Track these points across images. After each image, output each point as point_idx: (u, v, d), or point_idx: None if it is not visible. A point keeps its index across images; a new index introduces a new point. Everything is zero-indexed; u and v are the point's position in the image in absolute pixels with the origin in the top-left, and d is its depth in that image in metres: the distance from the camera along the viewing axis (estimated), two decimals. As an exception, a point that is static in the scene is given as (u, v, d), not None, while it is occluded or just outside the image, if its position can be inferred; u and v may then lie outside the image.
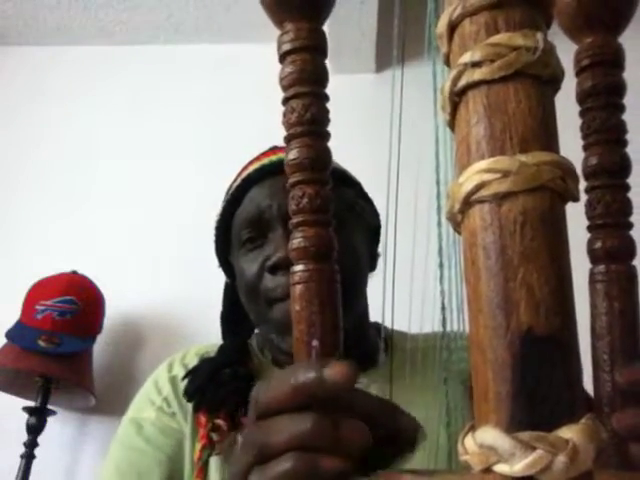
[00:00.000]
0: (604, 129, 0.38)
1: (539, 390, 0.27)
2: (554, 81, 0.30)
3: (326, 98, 0.36)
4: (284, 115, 0.35)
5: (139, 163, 1.81)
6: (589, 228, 0.40)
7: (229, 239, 0.75)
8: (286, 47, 0.35)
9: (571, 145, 0.37)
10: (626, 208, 0.39)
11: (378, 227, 0.78)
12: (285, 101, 0.36)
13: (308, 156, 0.35)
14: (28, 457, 1.37)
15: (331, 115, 0.36)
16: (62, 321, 1.40)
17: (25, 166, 1.85)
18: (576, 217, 0.36)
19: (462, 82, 0.30)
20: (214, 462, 0.67)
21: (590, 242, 0.39)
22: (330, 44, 0.37)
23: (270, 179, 0.70)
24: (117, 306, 1.58)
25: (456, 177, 0.31)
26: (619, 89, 0.39)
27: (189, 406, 0.70)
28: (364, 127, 1.63)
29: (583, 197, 0.39)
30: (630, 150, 0.39)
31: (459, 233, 0.32)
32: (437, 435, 0.64)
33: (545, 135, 0.29)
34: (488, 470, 0.27)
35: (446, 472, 0.32)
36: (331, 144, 0.37)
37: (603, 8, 0.39)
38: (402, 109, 0.49)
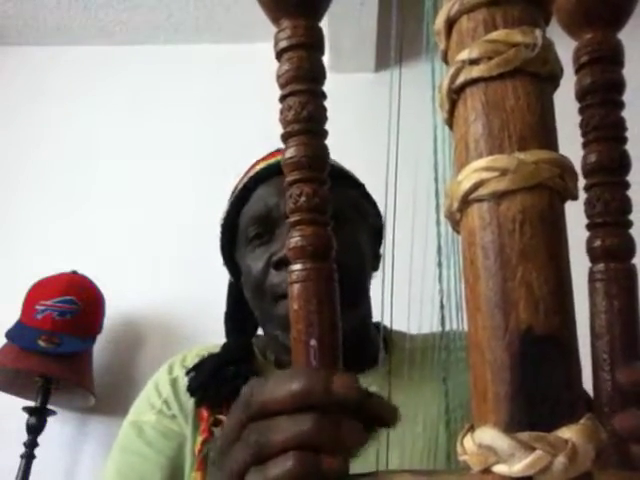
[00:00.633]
0: (603, 126, 0.38)
1: (538, 390, 0.27)
2: (553, 78, 0.30)
3: (323, 96, 0.36)
4: (281, 113, 0.35)
5: (139, 163, 1.81)
6: (588, 226, 0.39)
7: (235, 237, 0.75)
8: (283, 44, 0.35)
9: (570, 142, 0.37)
10: (625, 206, 0.38)
11: (381, 228, 0.78)
12: (282, 99, 0.35)
13: (305, 154, 0.34)
14: (28, 457, 1.37)
15: (330, 114, 0.36)
16: (62, 321, 1.40)
17: (25, 166, 1.85)
18: (575, 215, 0.36)
19: (460, 79, 0.29)
20: None
21: (589, 240, 0.39)
22: (329, 43, 0.37)
23: (277, 178, 0.70)
24: (117, 306, 1.58)
25: (454, 175, 0.30)
26: (618, 86, 0.39)
27: (189, 407, 0.70)
28: (363, 126, 1.63)
29: (582, 195, 0.39)
30: (630, 147, 0.39)
31: (458, 232, 0.31)
32: (436, 435, 0.64)
33: (544, 133, 0.29)
34: (487, 470, 0.27)
35: (445, 472, 0.32)
36: (330, 143, 0.37)
37: (602, 5, 0.39)
38: (400, 108, 0.49)
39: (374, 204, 0.78)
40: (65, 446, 1.54)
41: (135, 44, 1.96)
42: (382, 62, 1.80)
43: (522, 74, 0.29)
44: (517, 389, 0.27)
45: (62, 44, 1.97)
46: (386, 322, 0.61)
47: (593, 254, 0.38)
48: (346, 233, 0.68)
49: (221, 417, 0.67)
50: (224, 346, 0.75)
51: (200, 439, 0.67)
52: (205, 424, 0.67)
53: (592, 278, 0.38)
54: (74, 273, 1.50)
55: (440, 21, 0.31)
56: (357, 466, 0.34)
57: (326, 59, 0.37)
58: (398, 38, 0.50)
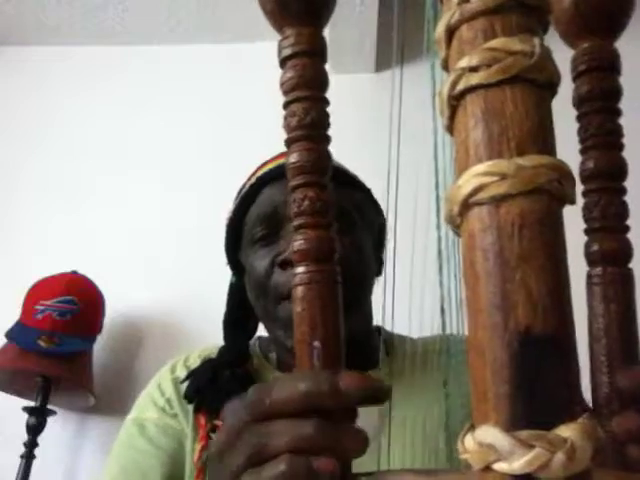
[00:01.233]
0: (600, 133, 0.39)
1: (537, 389, 0.27)
2: (551, 85, 0.30)
3: (326, 102, 0.36)
4: (285, 119, 0.36)
5: (139, 163, 1.81)
6: (586, 231, 0.40)
7: (240, 236, 0.75)
8: (286, 52, 0.35)
9: (568, 149, 0.37)
10: (623, 211, 0.39)
11: (384, 232, 0.78)
12: (286, 105, 0.36)
13: (309, 159, 0.35)
14: (28, 457, 1.37)
15: (330, 115, 0.37)
16: (62, 321, 1.40)
17: (25, 166, 1.85)
18: (574, 220, 0.37)
19: (460, 86, 0.30)
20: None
21: (587, 245, 0.39)
22: (330, 44, 0.37)
23: (285, 179, 0.70)
24: (117, 306, 1.58)
25: (455, 180, 0.31)
26: (616, 94, 0.39)
27: (191, 407, 0.71)
28: (363, 127, 1.63)
29: (580, 200, 0.39)
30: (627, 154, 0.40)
31: (458, 236, 0.32)
32: (437, 436, 0.64)
33: (542, 138, 0.29)
34: (487, 468, 0.28)
35: (446, 471, 0.32)
36: (330, 144, 0.37)
37: (599, 13, 0.39)
38: (402, 110, 0.49)
39: (380, 209, 0.79)
40: (65, 446, 1.54)
41: (135, 44, 1.96)
42: (382, 62, 1.80)
43: (521, 81, 0.29)
44: (516, 388, 0.27)
45: (62, 44, 1.97)
46: (387, 326, 0.62)
47: (591, 258, 0.39)
48: (352, 236, 0.68)
49: (218, 423, 0.67)
50: (220, 350, 0.76)
51: (198, 447, 0.67)
52: (203, 431, 0.68)
53: (590, 282, 0.39)
54: (74, 273, 1.50)
55: (440, 30, 0.31)
56: (358, 467, 0.34)
57: (326, 63, 0.37)
58: (399, 39, 0.50)
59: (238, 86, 1.85)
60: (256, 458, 0.33)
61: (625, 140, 0.39)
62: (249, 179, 0.77)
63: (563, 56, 0.37)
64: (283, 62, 0.36)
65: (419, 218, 0.45)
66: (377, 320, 0.77)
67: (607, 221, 0.39)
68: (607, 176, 0.39)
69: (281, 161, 0.73)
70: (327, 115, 0.36)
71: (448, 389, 0.49)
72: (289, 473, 0.32)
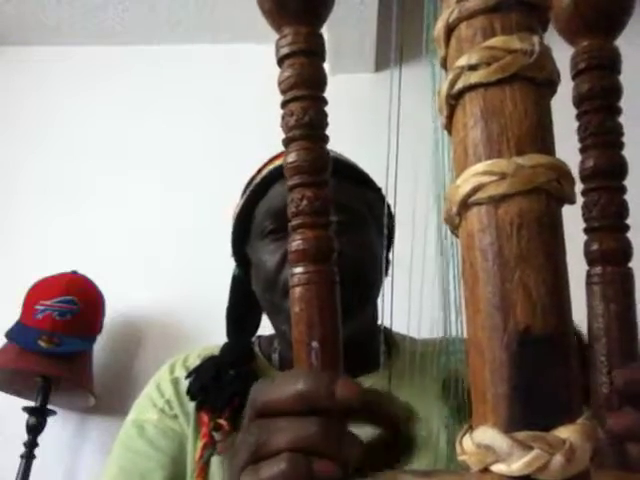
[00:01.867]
0: (600, 132, 0.39)
1: (536, 390, 0.27)
2: (550, 84, 0.30)
3: (324, 101, 0.36)
4: (283, 118, 0.36)
5: (139, 163, 1.81)
6: (586, 230, 0.40)
7: (249, 229, 0.75)
8: (284, 51, 0.35)
9: (568, 148, 0.37)
10: (622, 210, 0.39)
11: (393, 231, 0.78)
12: (284, 104, 0.36)
13: (307, 159, 0.35)
14: (28, 457, 1.37)
15: (330, 114, 0.37)
16: (62, 321, 1.40)
17: (25, 166, 1.85)
18: (573, 219, 0.37)
19: (459, 85, 0.30)
20: (215, 462, 0.67)
21: (587, 244, 0.39)
22: (329, 44, 0.37)
23: None
24: (117, 306, 1.58)
25: (453, 179, 0.31)
26: (615, 92, 0.39)
27: (191, 408, 0.70)
28: (363, 127, 1.63)
29: (580, 199, 0.39)
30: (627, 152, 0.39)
31: (457, 235, 0.32)
32: (437, 437, 0.64)
33: (541, 138, 0.29)
34: (486, 470, 0.28)
35: (444, 472, 0.32)
36: (329, 144, 0.37)
37: (599, 11, 0.39)
38: (401, 110, 0.49)
39: (389, 208, 0.78)
40: (65, 446, 1.54)
41: (135, 44, 1.95)
42: (382, 62, 1.80)
43: (520, 80, 0.29)
44: (515, 389, 0.27)
45: (62, 44, 1.97)
46: (387, 325, 0.61)
47: (590, 257, 0.39)
48: (363, 235, 0.68)
49: (221, 421, 0.67)
50: (223, 348, 0.75)
51: (200, 444, 0.67)
52: (205, 429, 0.67)
53: (589, 281, 0.39)
54: (74, 273, 1.50)
55: (439, 28, 0.31)
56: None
57: (326, 59, 0.37)
58: (398, 39, 0.50)
59: (238, 86, 1.85)
60: (256, 455, 0.33)
61: (625, 139, 0.39)
62: (259, 172, 0.76)
63: (562, 54, 0.37)
64: (281, 61, 0.36)
65: (418, 218, 0.45)
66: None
67: (607, 220, 0.38)
68: (607, 175, 0.39)
69: None
70: (325, 114, 0.36)
71: (448, 389, 0.48)
72: (289, 472, 0.32)
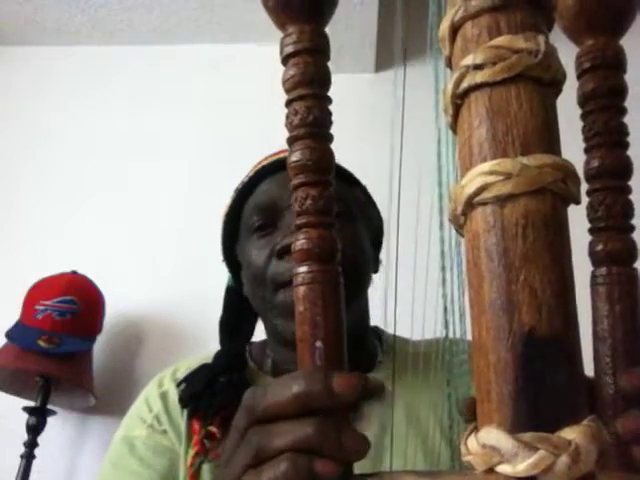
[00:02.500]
0: (605, 132, 0.38)
1: (541, 391, 0.27)
2: (556, 84, 0.30)
3: (329, 100, 0.36)
4: (287, 117, 0.36)
5: (139, 163, 1.81)
6: (591, 231, 0.39)
7: (237, 229, 0.75)
8: (289, 49, 0.35)
9: (573, 147, 0.37)
10: (628, 210, 0.39)
11: (381, 230, 0.78)
12: (288, 103, 0.36)
13: (311, 158, 0.35)
14: (28, 457, 1.37)
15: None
16: (62, 321, 1.40)
17: (25, 166, 1.85)
18: (578, 220, 0.36)
19: (464, 85, 0.30)
20: (207, 469, 0.66)
21: (592, 244, 0.39)
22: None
23: (283, 172, 0.70)
24: (117, 306, 1.58)
25: (459, 179, 0.31)
26: (620, 92, 0.39)
27: (181, 420, 0.69)
28: (363, 127, 1.63)
29: (585, 200, 0.39)
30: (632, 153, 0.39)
31: (462, 235, 0.32)
32: (439, 437, 0.64)
33: (547, 137, 0.29)
34: (491, 470, 0.27)
35: (449, 472, 0.32)
36: (332, 142, 0.37)
37: (604, 11, 0.39)
38: (403, 109, 0.49)
39: (376, 206, 0.79)
40: (65, 446, 1.54)
41: (135, 44, 1.95)
42: (382, 62, 1.80)
43: (525, 79, 0.29)
44: (520, 390, 0.27)
45: (62, 44, 1.97)
46: (390, 326, 0.61)
47: (595, 258, 0.39)
48: (350, 229, 0.68)
49: (212, 429, 0.66)
50: (216, 355, 0.75)
51: (192, 452, 0.66)
52: (197, 436, 0.67)
53: (594, 282, 0.38)
54: (74, 273, 1.50)
55: (444, 27, 0.31)
56: (359, 468, 0.34)
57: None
58: (402, 39, 0.50)
59: (238, 86, 1.85)
60: (257, 458, 0.33)
61: (630, 138, 0.39)
62: (247, 174, 0.77)
63: (567, 53, 0.37)
64: (285, 60, 0.36)
65: (422, 218, 0.45)
66: (378, 320, 0.77)
67: (612, 220, 0.38)
68: (612, 175, 0.38)
69: (280, 156, 0.73)
70: (329, 113, 0.36)
71: (451, 389, 0.48)
72: (291, 472, 0.32)
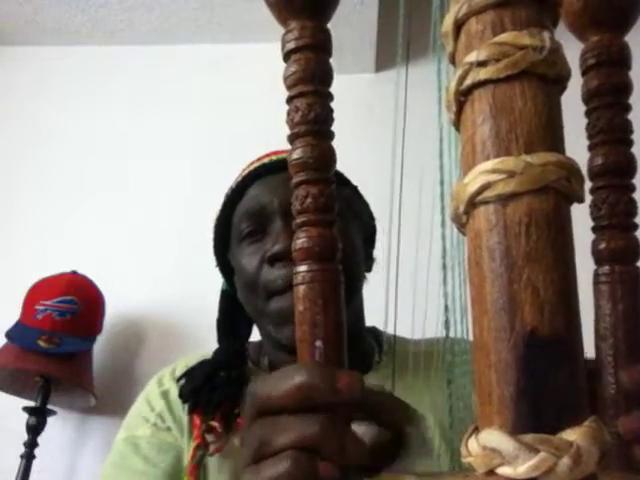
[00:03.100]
0: (609, 129, 0.38)
1: (543, 392, 0.27)
2: (560, 81, 0.30)
3: (330, 97, 0.36)
4: (288, 114, 0.35)
5: (139, 162, 1.81)
6: (594, 229, 0.39)
7: (228, 235, 0.75)
8: (290, 46, 0.35)
9: (576, 145, 0.37)
10: (631, 209, 0.38)
11: (374, 229, 0.78)
12: (289, 100, 0.35)
13: (312, 155, 0.34)
14: (28, 457, 1.37)
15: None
16: (62, 321, 1.40)
17: (25, 166, 1.85)
18: (581, 218, 0.36)
19: (468, 81, 0.29)
20: (212, 464, 0.66)
21: (594, 243, 0.39)
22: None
23: (271, 176, 0.71)
24: (117, 306, 1.58)
25: (461, 177, 0.30)
26: (625, 89, 0.39)
27: (183, 417, 0.69)
28: (363, 127, 1.63)
29: (588, 198, 0.38)
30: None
31: (464, 234, 0.32)
32: (438, 439, 0.63)
33: (551, 135, 0.29)
34: (492, 472, 0.27)
35: (449, 474, 0.32)
36: (333, 140, 0.37)
37: (609, 7, 0.38)
38: (405, 107, 0.49)
39: (367, 205, 0.79)
40: (65, 446, 1.54)
41: (135, 44, 1.95)
42: (382, 62, 1.80)
43: (530, 76, 0.29)
44: (522, 391, 0.27)
45: (62, 44, 1.97)
46: (390, 325, 0.61)
47: (598, 256, 0.38)
48: (340, 229, 0.68)
49: (213, 423, 0.66)
50: (216, 352, 0.75)
51: (193, 445, 0.66)
52: (198, 430, 0.67)
53: (597, 280, 0.38)
54: (74, 273, 1.50)
55: (448, 23, 0.31)
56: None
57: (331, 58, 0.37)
58: (404, 38, 0.50)
59: (238, 86, 1.85)
60: (259, 454, 0.33)
61: (634, 136, 0.39)
62: (236, 179, 0.76)
63: (572, 51, 0.37)
64: (287, 56, 0.35)
65: (423, 217, 0.45)
66: (379, 320, 0.77)
67: (615, 219, 0.38)
68: (616, 173, 0.38)
69: (267, 160, 0.73)
70: (331, 110, 0.35)
71: (451, 389, 0.48)
72: (294, 471, 0.31)
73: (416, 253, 0.48)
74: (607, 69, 0.38)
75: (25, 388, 1.44)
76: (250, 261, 0.68)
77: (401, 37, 0.49)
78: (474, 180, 0.29)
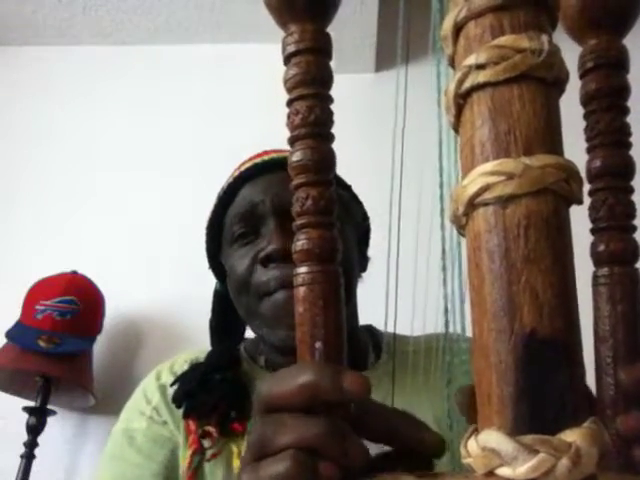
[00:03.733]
0: (608, 131, 0.38)
1: (542, 393, 0.27)
2: (559, 83, 0.30)
3: (330, 100, 0.36)
4: (288, 117, 0.35)
5: (139, 163, 1.81)
6: (592, 231, 0.39)
7: (220, 237, 0.75)
8: (290, 49, 0.35)
9: (575, 147, 0.37)
10: (630, 211, 0.38)
11: (368, 230, 0.78)
12: (289, 103, 0.35)
13: (312, 158, 0.35)
14: (28, 457, 1.37)
15: (329, 114, 0.36)
16: (62, 321, 1.40)
17: (25, 166, 1.85)
18: (580, 220, 0.36)
19: (467, 84, 0.30)
20: (209, 468, 0.66)
21: (593, 245, 0.39)
22: (329, 44, 0.37)
23: (262, 176, 0.71)
24: (117, 306, 1.58)
25: (460, 179, 0.31)
26: (623, 91, 0.39)
27: (180, 413, 0.69)
28: (363, 127, 1.63)
29: (587, 200, 0.39)
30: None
31: (463, 236, 0.32)
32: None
33: (549, 138, 0.29)
34: (491, 473, 0.27)
35: (449, 475, 0.32)
36: (333, 142, 0.37)
37: (607, 10, 0.38)
38: (404, 109, 0.49)
39: (361, 205, 0.79)
40: (65, 446, 1.54)
41: (135, 44, 1.95)
42: (382, 62, 1.80)
43: (528, 79, 0.29)
44: (521, 392, 0.27)
45: (62, 44, 1.97)
46: (390, 326, 0.61)
47: (597, 258, 0.38)
48: (338, 232, 0.68)
49: (209, 428, 0.66)
50: (209, 354, 0.74)
51: (189, 452, 0.66)
52: (193, 436, 0.66)
53: (596, 282, 0.38)
54: (74, 273, 1.50)
55: (447, 27, 0.31)
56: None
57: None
58: (404, 38, 0.50)
59: (237, 86, 1.85)
60: (260, 452, 0.33)
61: (633, 138, 0.39)
62: (227, 180, 0.76)
63: (570, 53, 0.37)
64: (287, 59, 0.35)
65: (423, 218, 0.45)
66: (379, 320, 0.77)
67: (614, 221, 0.38)
68: (614, 175, 0.38)
69: (259, 160, 0.73)
70: (331, 113, 0.36)
71: (450, 389, 0.48)
72: (294, 471, 0.31)
73: (415, 254, 0.48)
74: (605, 72, 0.38)
75: (25, 388, 1.44)
76: (242, 262, 0.68)
77: (401, 37, 0.49)
78: (473, 182, 0.29)
